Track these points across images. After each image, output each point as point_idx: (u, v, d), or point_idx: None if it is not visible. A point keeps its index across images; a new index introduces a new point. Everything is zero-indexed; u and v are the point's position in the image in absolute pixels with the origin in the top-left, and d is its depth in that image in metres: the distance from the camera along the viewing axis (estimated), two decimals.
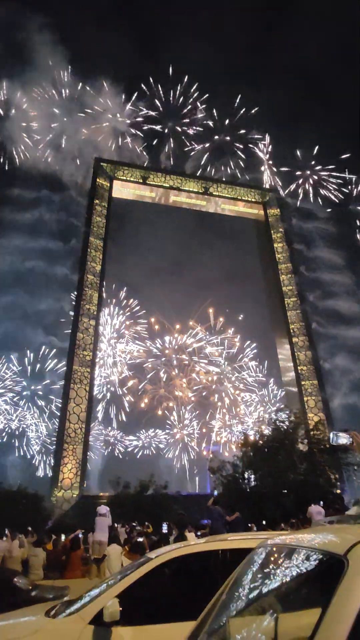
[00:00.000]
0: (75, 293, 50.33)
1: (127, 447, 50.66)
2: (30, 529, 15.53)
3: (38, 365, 53.03)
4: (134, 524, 18.19)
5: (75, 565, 10.68)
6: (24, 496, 30.18)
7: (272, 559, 2.01)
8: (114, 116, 61.14)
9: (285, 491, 22.67)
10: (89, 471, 44.48)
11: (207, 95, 64.62)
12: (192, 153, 64.74)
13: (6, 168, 57.19)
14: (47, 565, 10.96)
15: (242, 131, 64.75)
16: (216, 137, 64.90)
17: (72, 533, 13.01)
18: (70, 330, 48.13)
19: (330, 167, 65.31)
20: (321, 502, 14.71)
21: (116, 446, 50.63)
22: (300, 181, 65.04)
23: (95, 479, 47.53)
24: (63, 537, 15.08)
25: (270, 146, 65.53)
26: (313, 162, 65.05)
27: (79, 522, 23.42)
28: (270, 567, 2.00)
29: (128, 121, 61.56)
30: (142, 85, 62.35)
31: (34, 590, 6.92)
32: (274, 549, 2.04)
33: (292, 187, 64.85)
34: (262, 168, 65.23)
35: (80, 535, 12.51)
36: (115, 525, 14.74)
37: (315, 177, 65.41)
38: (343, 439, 4.52)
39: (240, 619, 1.96)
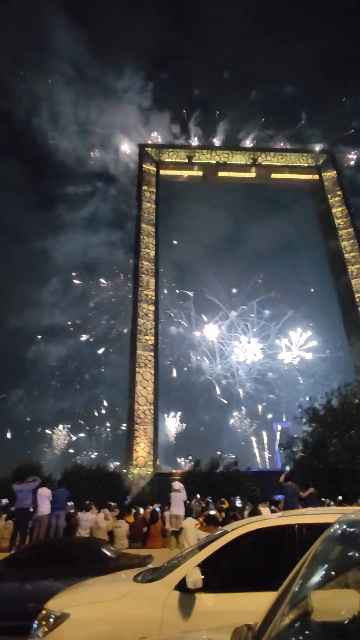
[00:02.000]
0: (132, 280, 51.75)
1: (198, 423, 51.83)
2: (112, 503, 16.70)
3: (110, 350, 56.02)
4: (209, 499, 18.74)
5: (155, 536, 11.35)
6: (104, 474, 32.41)
7: (353, 533, 1.98)
8: (145, 98, 60.21)
9: None
10: (161, 448, 46.48)
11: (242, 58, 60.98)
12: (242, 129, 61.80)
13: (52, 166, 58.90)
14: (129, 535, 11.78)
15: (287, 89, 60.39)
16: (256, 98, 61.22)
17: (150, 507, 13.79)
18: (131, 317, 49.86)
19: None
20: None
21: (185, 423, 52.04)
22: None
23: (169, 457, 49.59)
24: (142, 510, 16.01)
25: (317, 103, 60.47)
26: None
27: (155, 498, 24.75)
28: (351, 542, 1.97)
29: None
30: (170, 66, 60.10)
31: (120, 557, 7.50)
32: (355, 523, 1.99)
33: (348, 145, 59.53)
34: (308, 131, 60.54)
35: (158, 509, 13.20)
36: (188, 502, 15.32)
37: None
38: None
39: (322, 592, 1.95)
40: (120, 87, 58.09)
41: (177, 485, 12.34)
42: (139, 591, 3.52)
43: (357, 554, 1.85)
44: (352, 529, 2.00)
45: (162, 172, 59.39)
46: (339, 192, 57.02)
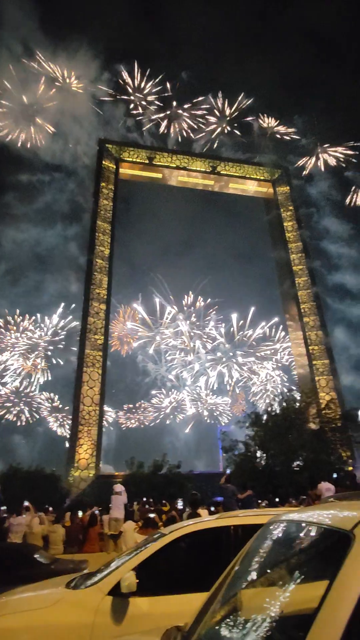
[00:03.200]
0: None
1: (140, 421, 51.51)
2: (50, 508, 16.09)
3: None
4: (144, 499, 18.72)
5: (93, 540, 11.09)
6: (42, 476, 31.17)
7: (281, 534, 2.07)
8: (114, 95, 59.39)
9: (298, 469, 22.98)
10: (104, 451, 45.67)
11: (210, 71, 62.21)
12: (199, 136, 62.84)
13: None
14: (66, 540, 11.40)
15: (247, 103, 62.46)
16: (222, 115, 62.84)
17: (90, 510, 13.46)
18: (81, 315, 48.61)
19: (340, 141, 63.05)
20: (334, 476, 14.86)
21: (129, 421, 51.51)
22: (309, 160, 62.95)
23: (110, 459, 48.84)
24: (80, 514, 15.59)
25: (278, 121, 63.39)
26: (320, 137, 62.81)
27: (96, 501, 24.19)
28: (280, 541, 2.06)
29: (132, 97, 59.74)
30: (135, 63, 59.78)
31: (53, 563, 7.24)
32: (284, 524, 2.09)
33: (302, 162, 62.91)
34: (263, 143, 63.16)
35: (97, 512, 12.93)
36: (134, 503, 15.16)
37: (326, 153, 63.27)
38: None
39: (251, 591, 2.02)
40: (80, 77, 56.30)
41: (118, 487, 12.18)
42: (71, 598, 3.42)
43: (283, 554, 1.93)
44: (279, 530, 2.09)
45: (121, 170, 58.75)
46: (290, 207, 59.92)
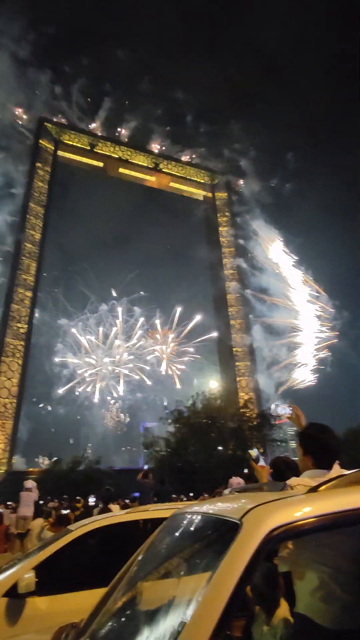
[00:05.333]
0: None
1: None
2: None
3: None
4: (64, 496, 18.14)
5: None
6: None
7: (181, 526, 2.12)
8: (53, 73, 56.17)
9: (212, 465, 23.94)
10: (18, 446, 43.18)
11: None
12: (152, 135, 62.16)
13: None
14: None
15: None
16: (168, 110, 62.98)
17: None
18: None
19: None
20: (245, 471, 15.73)
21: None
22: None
23: (30, 454, 46.21)
24: None
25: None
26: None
27: (6, 499, 22.76)
28: (179, 533, 2.11)
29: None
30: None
31: None
32: (184, 516, 2.15)
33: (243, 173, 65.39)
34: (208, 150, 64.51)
35: (2, 511, 12.19)
36: (42, 502, 14.52)
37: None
38: (282, 410, 5.20)
39: (149, 583, 2.05)
40: (23, 50, 52.44)
41: (28, 483, 11.60)
42: None
43: (181, 545, 1.99)
44: (179, 523, 2.15)
45: (60, 153, 56.03)
46: (227, 213, 62.19)
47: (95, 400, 50.28)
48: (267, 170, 66.54)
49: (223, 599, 1.24)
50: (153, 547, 2.23)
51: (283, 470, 2.94)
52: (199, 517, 1.97)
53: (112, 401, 51.33)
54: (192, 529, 1.99)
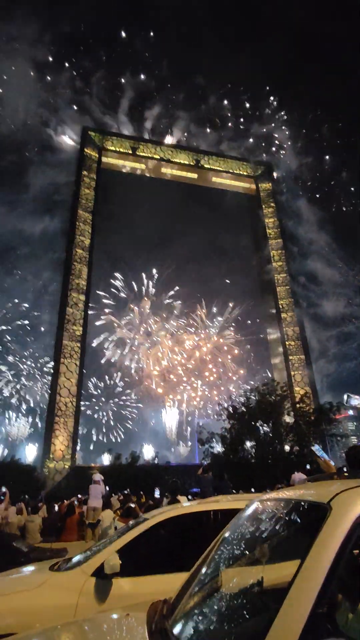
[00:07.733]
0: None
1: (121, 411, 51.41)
2: (26, 496, 15.98)
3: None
4: (126, 491, 18.81)
5: (71, 529, 11.14)
6: (17, 468, 30.80)
7: (260, 513, 2.15)
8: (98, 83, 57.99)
9: (270, 461, 23.57)
10: (81, 442, 45.46)
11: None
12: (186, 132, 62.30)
13: None
14: (43, 530, 11.39)
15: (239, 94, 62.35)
16: (205, 105, 62.54)
17: (67, 501, 13.48)
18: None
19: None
20: (307, 467, 15.36)
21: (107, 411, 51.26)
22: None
23: (88, 450, 48.58)
24: (56, 507, 15.55)
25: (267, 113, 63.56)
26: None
27: (72, 492, 24.15)
28: (259, 521, 2.13)
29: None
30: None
31: (32, 551, 7.27)
32: (263, 504, 2.18)
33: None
34: (251, 140, 63.30)
35: (76, 503, 12.96)
36: (112, 495, 15.20)
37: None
38: (319, 452, 5.31)
39: (230, 570, 2.08)
40: (67, 64, 55.01)
41: (97, 476, 12.23)
42: (54, 580, 3.50)
43: (262, 533, 2.00)
44: (258, 510, 2.19)
45: (104, 159, 57.82)
46: (272, 204, 60.58)
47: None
48: (310, 155, 63.92)
49: (316, 586, 1.25)
50: (232, 535, 2.29)
51: None
52: (282, 503, 1.99)
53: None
54: (274, 514, 1.98)
